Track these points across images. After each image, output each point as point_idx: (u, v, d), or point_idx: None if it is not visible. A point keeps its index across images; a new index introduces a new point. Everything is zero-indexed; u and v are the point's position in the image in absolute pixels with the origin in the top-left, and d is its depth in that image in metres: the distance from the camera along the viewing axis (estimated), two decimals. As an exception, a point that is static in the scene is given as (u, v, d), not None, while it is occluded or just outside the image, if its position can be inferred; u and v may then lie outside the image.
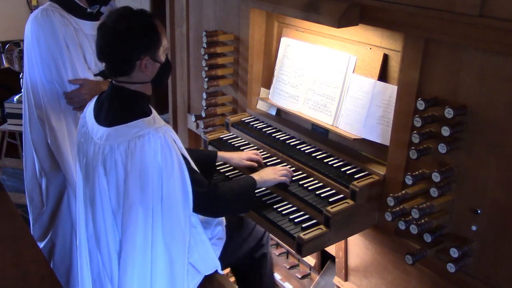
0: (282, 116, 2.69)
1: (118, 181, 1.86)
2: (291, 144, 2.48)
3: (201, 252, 2.10)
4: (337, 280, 2.65)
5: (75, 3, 2.61)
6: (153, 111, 1.96)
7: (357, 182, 2.08)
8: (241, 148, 2.57)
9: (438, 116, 1.82)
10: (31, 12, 2.63)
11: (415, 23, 1.84)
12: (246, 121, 2.73)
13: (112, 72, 1.93)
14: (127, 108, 1.91)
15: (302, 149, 2.42)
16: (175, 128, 3.47)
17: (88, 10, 2.63)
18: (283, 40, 2.64)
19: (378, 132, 2.19)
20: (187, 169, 1.89)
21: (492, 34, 1.63)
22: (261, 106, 2.78)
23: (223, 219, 2.29)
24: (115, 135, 1.86)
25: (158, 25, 1.92)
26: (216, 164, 2.41)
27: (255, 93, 2.78)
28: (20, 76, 3.84)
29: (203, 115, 2.88)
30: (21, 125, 2.82)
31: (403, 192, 1.90)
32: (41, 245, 2.83)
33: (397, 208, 1.86)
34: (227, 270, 2.70)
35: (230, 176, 2.43)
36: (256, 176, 2.18)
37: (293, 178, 2.27)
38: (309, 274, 2.88)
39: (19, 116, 3.26)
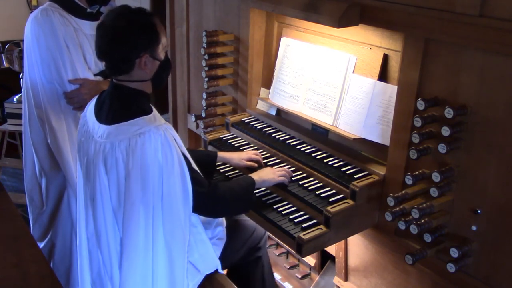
0: (282, 116, 2.69)
1: (119, 179, 1.86)
2: (291, 144, 2.48)
3: (201, 251, 2.11)
4: (337, 280, 2.65)
5: (75, 3, 2.61)
6: (154, 109, 1.96)
7: (357, 182, 2.08)
8: (241, 148, 2.58)
9: (438, 116, 1.82)
10: (31, 12, 2.63)
11: (415, 23, 1.84)
12: (246, 121, 2.73)
13: (112, 71, 1.94)
14: (128, 106, 1.92)
15: (302, 149, 2.42)
16: (175, 128, 3.47)
17: (88, 10, 2.63)
18: (283, 40, 2.64)
19: (378, 132, 2.19)
20: (187, 168, 1.89)
21: (492, 34, 1.63)
22: (261, 106, 2.78)
23: (223, 220, 2.29)
24: (115, 133, 1.87)
25: (157, 23, 1.92)
26: (216, 164, 2.41)
27: (255, 93, 2.78)
28: (20, 76, 3.84)
29: (203, 115, 2.88)
30: (21, 125, 2.81)
31: (403, 192, 1.90)
32: (41, 245, 2.83)
33: (397, 208, 1.86)
34: (225, 271, 2.70)
35: (230, 176, 2.43)
36: (255, 176, 2.18)
37: (293, 178, 2.27)
38: (309, 274, 2.88)
39: (19, 116, 3.26)
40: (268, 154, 2.50)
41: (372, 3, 1.99)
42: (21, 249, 2.21)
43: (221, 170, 2.48)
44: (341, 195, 2.14)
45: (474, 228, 1.83)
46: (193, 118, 2.96)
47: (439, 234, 1.88)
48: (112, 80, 1.97)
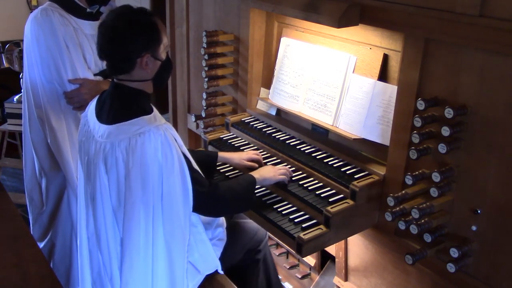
0: (282, 116, 2.69)
1: (119, 179, 1.87)
2: (291, 144, 2.48)
3: (201, 251, 2.11)
4: (337, 280, 2.65)
5: (75, 3, 2.60)
6: (154, 109, 1.96)
7: (357, 182, 2.08)
8: (241, 148, 2.58)
9: (438, 116, 1.82)
10: (31, 12, 2.63)
11: (415, 23, 1.84)
12: (246, 121, 2.73)
13: (113, 70, 1.94)
14: (128, 106, 1.92)
15: (302, 149, 2.42)
16: (175, 128, 3.46)
17: (88, 10, 2.63)
18: (283, 40, 2.64)
19: (378, 132, 2.19)
20: (187, 168, 1.89)
21: (492, 34, 1.63)
22: (261, 106, 2.78)
23: (223, 221, 2.29)
24: (116, 132, 1.87)
25: (158, 23, 1.92)
26: (217, 164, 2.41)
27: (255, 93, 2.78)
28: (20, 76, 3.84)
29: (203, 115, 2.88)
30: (21, 125, 2.81)
31: (403, 192, 1.90)
32: (41, 245, 2.83)
33: (397, 208, 1.86)
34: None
35: (230, 176, 2.43)
36: (255, 174, 2.18)
37: (293, 178, 2.27)
38: (309, 274, 2.88)
39: (19, 116, 3.26)
40: (268, 154, 2.50)
41: (372, 3, 1.99)
42: (21, 249, 2.21)
43: (221, 170, 2.47)
44: (341, 195, 2.14)
45: (474, 228, 1.83)
46: (193, 118, 2.96)
47: (439, 234, 1.88)
48: (113, 80, 1.97)
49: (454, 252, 1.81)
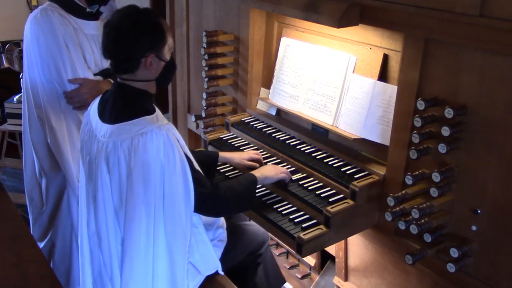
0: (282, 116, 2.69)
1: (120, 178, 1.87)
2: (291, 144, 2.48)
3: (202, 252, 2.11)
4: (337, 280, 2.65)
5: (75, 2, 2.60)
6: (157, 109, 1.97)
7: (357, 182, 2.08)
8: (241, 148, 2.57)
9: (438, 116, 1.82)
10: (31, 12, 2.63)
11: (415, 23, 1.84)
12: (246, 121, 2.73)
13: (117, 70, 1.94)
14: (131, 106, 1.92)
15: (302, 149, 2.42)
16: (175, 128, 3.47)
17: (88, 9, 2.63)
18: (283, 40, 2.64)
19: (378, 132, 2.19)
20: (189, 168, 1.89)
21: (492, 34, 1.63)
22: (261, 106, 2.78)
23: (224, 222, 2.29)
24: (118, 132, 1.87)
25: (164, 24, 1.93)
26: (217, 164, 2.41)
27: (255, 93, 2.78)
28: (20, 76, 3.84)
29: (203, 115, 2.88)
30: (21, 125, 2.81)
31: (403, 192, 1.90)
32: (41, 245, 2.83)
33: (397, 208, 1.86)
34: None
35: (230, 176, 2.43)
36: (256, 173, 2.18)
37: (293, 178, 2.27)
38: (309, 274, 2.88)
39: (19, 116, 3.26)
40: (268, 154, 2.50)
41: (372, 3, 1.99)
42: (21, 249, 2.21)
43: (221, 170, 2.48)
44: (341, 195, 2.14)
45: (474, 228, 1.83)
46: (193, 118, 2.96)
47: (439, 234, 1.88)
48: (117, 79, 1.97)
49: (454, 252, 1.81)
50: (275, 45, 2.72)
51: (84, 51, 2.63)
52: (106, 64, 2.76)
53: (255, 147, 2.57)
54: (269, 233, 2.47)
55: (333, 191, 2.18)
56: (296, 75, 2.55)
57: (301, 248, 1.98)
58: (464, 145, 1.79)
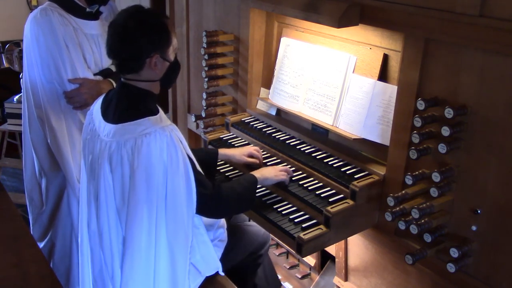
0: (282, 116, 2.69)
1: (123, 178, 1.87)
2: (291, 144, 2.48)
3: (203, 252, 2.11)
4: (337, 280, 2.65)
5: (74, 2, 2.60)
6: (160, 110, 1.97)
7: (357, 182, 2.08)
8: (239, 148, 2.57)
9: (438, 116, 1.82)
10: (30, 12, 2.63)
11: (415, 23, 1.84)
12: (246, 121, 2.73)
13: (121, 69, 1.94)
14: (135, 106, 1.92)
15: (302, 149, 2.42)
16: (175, 128, 3.47)
17: (87, 9, 2.63)
18: (283, 40, 2.64)
19: (378, 132, 2.19)
20: (192, 169, 1.89)
21: (492, 34, 1.63)
22: (261, 106, 2.78)
23: (224, 222, 2.29)
24: (121, 132, 1.87)
25: (169, 24, 1.93)
26: (218, 163, 2.41)
27: (255, 93, 2.78)
28: (20, 76, 3.84)
29: (203, 115, 2.88)
30: (21, 125, 2.81)
31: (403, 192, 1.90)
32: (41, 245, 2.83)
33: (397, 208, 1.86)
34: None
35: (230, 176, 2.43)
36: (257, 174, 2.18)
37: (293, 178, 2.27)
38: (309, 274, 2.88)
39: (19, 116, 3.26)
40: (268, 154, 2.50)
41: (372, 3, 1.99)
42: (21, 249, 2.21)
43: (221, 170, 2.48)
44: (341, 195, 2.14)
45: (474, 228, 1.82)
46: (193, 118, 2.96)
47: (439, 234, 1.88)
48: (121, 79, 1.97)
49: (454, 252, 1.81)
50: (275, 45, 2.72)
51: (84, 51, 2.63)
52: (106, 64, 2.76)
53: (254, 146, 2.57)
54: (270, 235, 2.47)
55: (333, 191, 2.18)
56: (296, 75, 2.55)
57: (301, 248, 1.98)
58: (464, 145, 1.79)
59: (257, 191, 2.23)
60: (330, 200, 2.12)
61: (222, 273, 2.21)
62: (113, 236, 1.95)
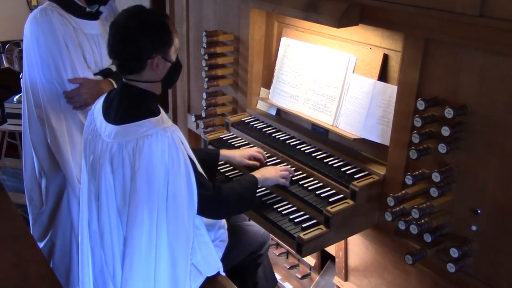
0: (282, 116, 2.69)
1: (124, 179, 1.87)
2: (291, 144, 2.48)
3: (204, 253, 2.11)
4: (337, 280, 2.65)
5: (74, 2, 2.60)
6: (162, 110, 1.96)
7: (357, 182, 2.08)
8: (241, 149, 2.57)
9: (438, 116, 1.82)
10: (30, 12, 2.63)
11: (415, 23, 1.84)
12: (246, 121, 2.73)
13: (122, 70, 1.93)
14: (136, 107, 1.92)
15: (302, 149, 2.42)
16: (175, 128, 3.47)
17: (87, 9, 2.63)
18: (283, 40, 2.64)
19: (378, 132, 2.19)
20: (193, 171, 1.89)
21: (492, 34, 1.63)
22: (261, 106, 2.78)
23: (225, 222, 2.29)
24: (123, 133, 1.87)
25: (170, 24, 1.93)
26: (218, 163, 2.41)
27: (255, 93, 2.78)
28: (20, 76, 3.84)
29: (203, 115, 2.88)
30: (21, 125, 2.81)
31: (403, 192, 1.90)
32: (41, 245, 2.83)
33: (397, 208, 1.86)
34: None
35: (230, 177, 2.43)
36: (257, 174, 2.18)
37: (293, 178, 2.27)
38: (309, 274, 2.88)
39: (19, 116, 3.26)
40: (268, 154, 2.50)
41: (372, 3, 1.99)
42: (21, 249, 2.21)
43: (222, 171, 2.48)
44: (341, 195, 2.14)
45: (474, 228, 1.82)
46: (193, 118, 2.96)
47: (439, 234, 1.88)
48: (122, 79, 1.97)
49: (454, 252, 1.81)
50: (275, 45, 2.72)
51: (84, 50, 2.63)
52: (106, 64, 2.76)
53: (255, 147, 2.57)
54: (270, 234, 2.47)
55: (333, 191, 2.18)
56: (296, 75, 2.55)
57: (301, 248, 1.98)
58: (464, 145, 1.79)
59: (258, 191, 2.23)
60: (330, 200, 2.12)
61: (223, 273, 2.21)
62: (114, 236, 1.95)
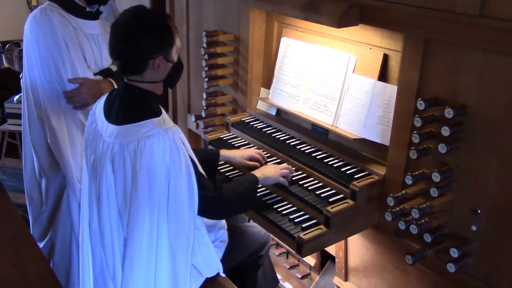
0: (282, 116, 2.69)
1: (126, 180, 1.87)
2: (291, 144, 2.48)
3: (204, 254, 2.10)
4: (337, 280, 2.65)
5: (74, 2, 2.60)
6: (163, 111, 1.96)
7: (357, 182, 2.08)
8: (241, 149, 2.57)
9: (438, 116, 1.82)
10: (30, 12, 2.63)
11: (415, 23, 1.84)
12: (246, 121, 2.73)
13: (124, 71, 1.93)
14: (138, 107, 1.92)
15: (302, 149, 2.42)
16: (175, 128, 3.47)
17: (87, 9, 2.63)
18: (283, 40, 2.64)
19: (378, 132, 2.19)
20: (194, 172, 1.89)
21: (492, 34, 1.63)
22: (261, 106, 2.78)
23: (225, 222, 2.29)
24: (125, 133, 1.87)
25: (172, 25, 1.92)
26: (218, 164, 2.41)
27: (255, 93, 2.78)
28: (20, 76, 3.84)
29: (203, 115, 2.88)
30: (21, 125, 2.81)
31: (403, 192, 1.90)
32: (41, 245, 2.83)
33: (397, 208, 1.86)
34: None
35: (230, 176, 2.43)
36: (257, 173, 2.18)
37: (293, 178, 2.27)
38: (309, 274, 2.88)
39: (19, 116, 3.26)
40: (268, 154, 2.50)
41: (372, 3, 1.99)
42: (21, 249, 2.21)
43: (222, 170, 2.48)
44: (341, 195, 2.14)
45: (474, 228, 1.82)
46: (193, 118, 2.96)
47: (439, 234, 1.88)
48: (124, 79, 1.97)
49: (454, 252, 1.81)
50: (275, 45, 2.72)
51: (84, 50, 2.63)
52: (106, 63, 2.76)
53: (255, 147, 2.57)
54: (270, 235, 2.47)
55: (333, 191, 2.17)
56: (296, 75, 2.55)
57: (301, 248, 1.98)
58: (464, 145, 1.79)
59: (258, 190, 2.23)
60: (330, 200, 2.12)
61: (223, 274, 2.21)
62: (115, 236, 1.95)
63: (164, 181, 1.83)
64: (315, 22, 2.16)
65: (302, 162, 2.34)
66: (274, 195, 2.28)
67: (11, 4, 5.58)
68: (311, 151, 2.39)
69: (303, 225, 2.08)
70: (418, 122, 1.82)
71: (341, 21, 2.03)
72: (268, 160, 2.45)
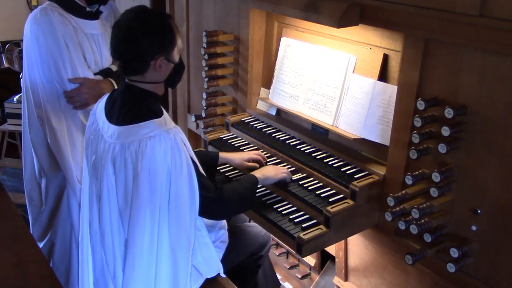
0: (282, 116, 2.69)
1: (127, 180, 1.86)
2: (291, 144, 2.48)
3: (204, 254, 2.10)
4: (337, 280, 2.65)
5: (74, 2, 2.60)
6: (164, 111, 1.96)
7: (357, 182, 2.08)
8: (241, 148, 2.57)
9: (438, 116, 1.82)
10: (30, 12, 2.63)
11: (415, 23, 1.84)
12: (246, 121, 2.73)
13: (125, 71, 1.93)
14: (139, 107, 1.91)
15: (302, 149, 2.42)
16: (175, 128, 3.47)
17: (87, 9, 2.63)
18: (283, 40, 2.64)
19: (378, 132, 2.19)
20: (195, 172, 1.89)
21: (492, 34, 1.63)
22: (261, 106, 2.78)
23: (225, 223, 2.29)
24: (126, 134, 1.87)
25: (173, 25, 1.92)
26: (217, 165, 2.41)
27: (255, 93, 2.78)
28: (20, 76, 3.84)
29: (203, 115, 2.88)
30: (21, 125, 2.81)
31: (403, 192, 1.90)
32: (41, 245, 2.83)
33: (397, 208, 1.86)
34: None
35: (230, 177, 2.43)
36: (257, 173, 2.18)
37: (293, 178, 2.27)
38: (309, 274, 2.88)
39: (19, 116, 3.26)
40: (268, 154, 2.50)
41: (372, 3, 1.99)
42: (21, 249, 2.21)
43: (221, 171, 2.47)
44: (341, 195, 2.14)
45: (474, 228, 1.82)
46: (193, 118, 2.96)
47: (439, 234, 1.88)
48: (125, 80, 1.97)
49: (454, 252, 1.81)
50: (275, 45, 2.72)
51: (84, 50, 2.63)
52: (106, 63, 2.76)
53: (255, 147, 2.57)
54: (270, 235, 2.47)
55: (333, 191, 2.18)
56: (296, 75, 2.55)
57: (301, 248, 1.98)
58: (464, 145, 1.79)
59: (258, 190, 2.23)
60: (330, 200, 2.12)
61: (223, 275, 2.21)
62: (115, 237, 1.95)
63: (166, 182, 1.83)
64: (315, 22, 2.16)
65: (302, 162, 2.34)
66: (274, 195, 2.28)
67: (11, 4, 5.58)
68: (311, 151, 2.39)
69: (303, 225, 2.08)
70: (418, 122, 1.82)
71: (341, 21, 2.03)
72: (268, 160, 2.45)
